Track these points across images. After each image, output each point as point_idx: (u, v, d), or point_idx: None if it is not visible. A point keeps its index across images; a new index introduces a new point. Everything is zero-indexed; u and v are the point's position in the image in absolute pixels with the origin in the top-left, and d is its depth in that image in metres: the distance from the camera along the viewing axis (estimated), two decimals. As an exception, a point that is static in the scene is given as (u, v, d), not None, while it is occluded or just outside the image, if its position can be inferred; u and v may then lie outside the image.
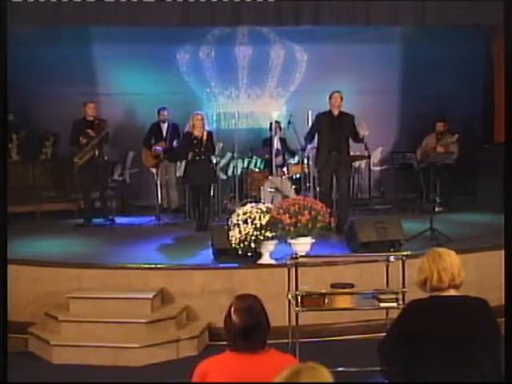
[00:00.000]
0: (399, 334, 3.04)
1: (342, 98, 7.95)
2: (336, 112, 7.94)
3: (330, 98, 7.96)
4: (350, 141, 8.06)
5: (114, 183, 10.00)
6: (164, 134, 9.67)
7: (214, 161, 8.89)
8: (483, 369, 2.90)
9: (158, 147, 9.47)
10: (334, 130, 7.88)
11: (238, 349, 2.82)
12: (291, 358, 2.91)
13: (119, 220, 9.25)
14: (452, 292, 3.03)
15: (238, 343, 2.81)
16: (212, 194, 8.85)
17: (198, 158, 8.21)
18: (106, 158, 9.13)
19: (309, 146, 8.72)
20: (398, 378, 2.95)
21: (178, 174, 9.66)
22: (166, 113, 9.79)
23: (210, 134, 8.35)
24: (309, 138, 8.27)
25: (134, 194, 10.63)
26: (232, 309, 2.86)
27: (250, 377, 2.74)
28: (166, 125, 9.75)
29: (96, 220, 8.96)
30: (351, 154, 8.35)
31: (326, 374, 2.18)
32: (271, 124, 9.78)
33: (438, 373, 2.90)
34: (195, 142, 8.19)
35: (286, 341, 4.83)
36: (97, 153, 8.78)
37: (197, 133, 8.20)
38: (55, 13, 7.69)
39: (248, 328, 2.79)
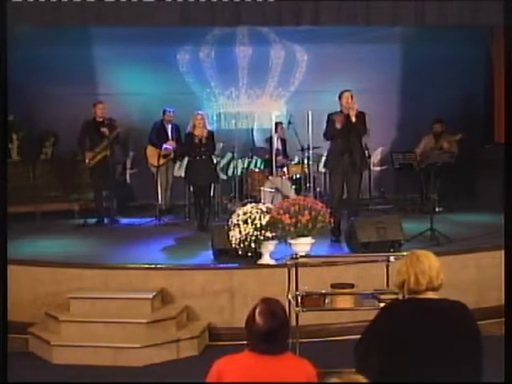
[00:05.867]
0: (374, 335, 3.02)
1: (352, 97, 7.44)
2: (347, 112, 7.47)
3: (339, 97, 7.51)
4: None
5: (115, 183, 10.00)
6: (170, 134, 9.71)
7: (215, 161, 8.90)
8: (459, 372, 2.87)
9: (168, 146, 9.50)
10: (346, 131, 7.45)
11: (259, 350, 2.83)
12: (307, 363, 2.93)
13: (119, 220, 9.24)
14: (430, 295, 3.00)
15: (259, 345, 2.83)
16: (212, 194, 8.86)
17: (198, 157, 8.26)
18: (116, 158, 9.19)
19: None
20: (371, 379, 2.94)
21: (176, 174, 9.66)
22: (172, 114, 9.81)
23: (211, 133, 8.38)
24: (327, 137, 7.67)
25: (134, 194, 10.63)
26: (256, 311, 2.87)
27: (267, 378, 2.77)
28: (170, 125, 9.79)
29: (104, 220, 8.95)
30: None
31: None
32: (276, 124, 9.79)
33: (412, 375, 2.88)
34: (196, 141, 8.22)
35: (287, 341, 4.83)
36: (109, 153, 8.79)
37: (197, 133, 8.22)
38: (55, 13, 7.68)
39: (272, 331, 2.82)
